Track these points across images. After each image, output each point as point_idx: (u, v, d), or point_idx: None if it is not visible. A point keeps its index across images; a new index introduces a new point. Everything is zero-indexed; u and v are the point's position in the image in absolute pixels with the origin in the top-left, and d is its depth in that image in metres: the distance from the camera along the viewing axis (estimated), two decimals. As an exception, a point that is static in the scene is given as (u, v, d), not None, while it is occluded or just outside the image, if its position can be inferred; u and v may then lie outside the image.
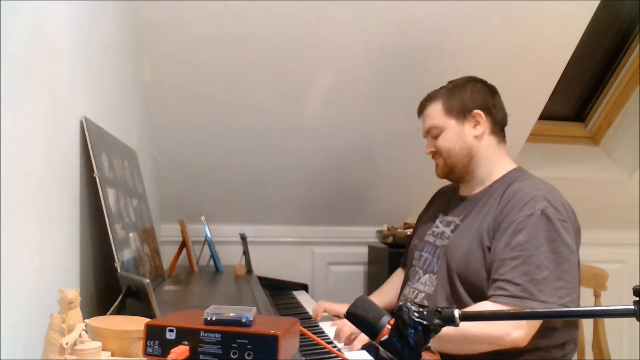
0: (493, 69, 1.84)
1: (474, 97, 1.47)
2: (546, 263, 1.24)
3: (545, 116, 2.42)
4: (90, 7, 1.16)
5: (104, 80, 1.30)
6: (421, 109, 1.55)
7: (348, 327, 1.32)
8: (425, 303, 1.42)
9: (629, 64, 2.54)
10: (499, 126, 1.50)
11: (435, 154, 1.51)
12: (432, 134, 1.50)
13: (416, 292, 1.48)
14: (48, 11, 0.89)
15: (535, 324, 1.26)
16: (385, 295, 1.71)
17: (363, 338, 1.29)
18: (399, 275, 1.76)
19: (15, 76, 0.74)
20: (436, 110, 1.49)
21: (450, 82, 1.53)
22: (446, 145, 1.47)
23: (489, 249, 1.33)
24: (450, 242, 1.43)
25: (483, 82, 1.51)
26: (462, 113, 1.46)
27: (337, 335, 1.35)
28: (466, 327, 1.23)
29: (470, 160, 1.47)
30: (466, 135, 1.46)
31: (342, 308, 1.61)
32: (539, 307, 1.20)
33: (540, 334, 1.32)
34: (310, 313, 1.67)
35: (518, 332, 1.23)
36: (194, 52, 1.85)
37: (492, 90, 1.51)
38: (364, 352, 1.26)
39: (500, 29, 1.96)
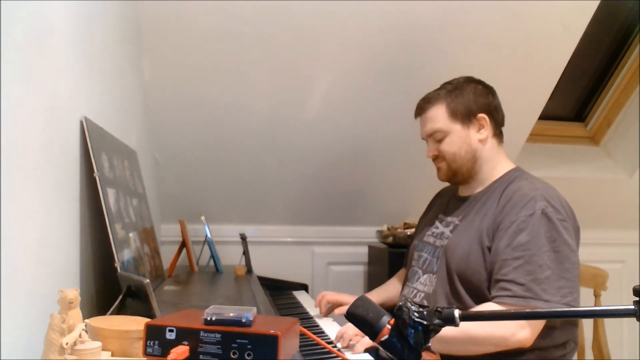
0: (493, 69, 1.84)
1: (477, 100, 1.46)
2: (548, 262, 1.24)
3: (545, 116, 2.42)
4: (90, 7, 1.16)
5: (104, 80, 1.30)
6: (420, 111, 1.52)
7: (353, 329, 1.31)
8: (425, 303, 1.42)
9: (629, 64, 2.54)
10: (499, 128, 1.50)
11: (438, 157, 1.49)
12: (436, 137, 1.48)
13: (415, 291, 1.48)
14: (48, 11, 0.89)
15: (539, 324, 1.26)
16: (389, 291, 1.72)
17: (366, 341, 1.28)
18: (401, 274, 1.76)
19: (15, 76, 0.74)
20: (439, 114, 1.46)
21: (448, 84, 1.50)
22: (451, 149, 1.46)
23: (489, 248, 1.33)
24: (449, 242, 1.43)
25: (482, 83, 1.50)
26: (467, 117, 1.45)
27: (342, 337, 1.34)
28: (470, 328, 1.23)
29: (474, 163, 1.47)
30: (471, 139, 1.46)
31: (344, 297, 1.63)
32: (543, 307, 1.21)
33: (540, 333, 1.32)
34: (311, 313, 1.67)
35: (523, 333, 1.23)
36: (194, 52, 1.85)
37: (491, 92, 1.50)
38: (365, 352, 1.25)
39: (500, 29, 1.96)
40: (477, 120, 1.46)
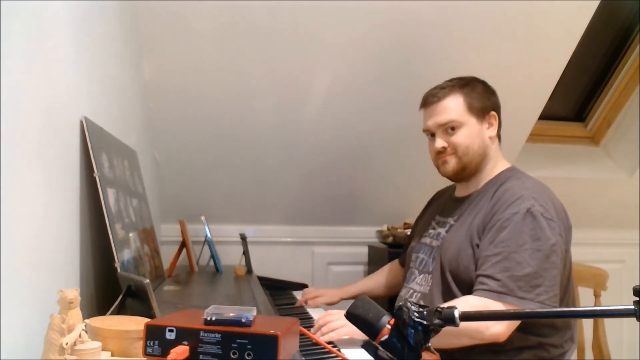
0: (493, 69, 1.84)
1: (490, 98, 1.48)
2: (528, 260, 1.25)
3: (545, 116, 2.42)
4: (89, 7, 1.16)
5: (104, 80, 1.30)
6: (434, 100, 1.46)
7: (335, 318, 1.29)
8: (422, 302, 1.42)
9: (629, 64, 2.54)
10: (501, 129, 1.52)
11: (446, 150, 1.45)
12: (449, 128, 1.44)
13: (411, 291, 1.50)
14: (48, 11, 0.89)
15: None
16: (377, 277, 1.86)
17: (343, 331, 1.25)
18: (391, 266, 1.85)
19: (15, 76, 0.74)
20: (457, 104, 1.44)
21: (457, 79, 1.48)
22: (465, 142, 1.43)
23: (478, 246, 1.35)
24: (443, 242, 1.45)
25: (487, 84, 1.52)
26: (481, 113, 1.45)
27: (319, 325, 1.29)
28: None
29: (483, 159, 1.47)
30: (484, 134, 1.46)
31: (321, 291, 1.81)
32: (516, 304, 1.22)
33: (538, 331, 1.32)
34: (311, 313, 1.67)
35: (498, 327, 1.23)
36: (194, 51, 1.85)
37: (495, 93, 1.52)
38: (364, 351, 1.25)
39: (501, 29, 1.96)
40: (489, 117, 1.47)
